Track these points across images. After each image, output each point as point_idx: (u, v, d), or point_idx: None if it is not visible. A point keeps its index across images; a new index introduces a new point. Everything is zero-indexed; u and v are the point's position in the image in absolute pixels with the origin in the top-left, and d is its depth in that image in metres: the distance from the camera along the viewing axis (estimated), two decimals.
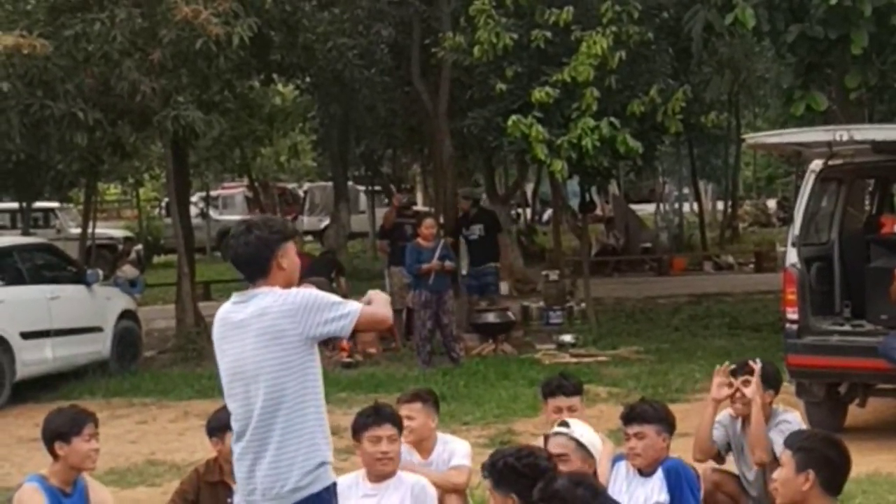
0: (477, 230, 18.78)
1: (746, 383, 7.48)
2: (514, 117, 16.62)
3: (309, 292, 5.54)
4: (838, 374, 11.33)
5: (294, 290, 5.57)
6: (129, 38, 16.36)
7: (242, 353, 5.57)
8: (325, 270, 18.21)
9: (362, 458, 7.15)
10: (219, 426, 7.56)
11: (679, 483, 6.82)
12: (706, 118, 18.74)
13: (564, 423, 6.47)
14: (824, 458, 5.38)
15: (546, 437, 7.41)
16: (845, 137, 11.17)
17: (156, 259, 39.21)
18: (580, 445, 6.29)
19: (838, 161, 11.68)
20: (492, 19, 17.08)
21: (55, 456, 6.79)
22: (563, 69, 16.77)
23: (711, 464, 7.83)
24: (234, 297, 5.69)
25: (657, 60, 18.34)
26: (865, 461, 9.82)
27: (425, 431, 7.66)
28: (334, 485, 5.60)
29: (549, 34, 17.04)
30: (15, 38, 15.23)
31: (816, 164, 11.75)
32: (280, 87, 28.25)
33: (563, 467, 6.05)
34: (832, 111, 16.23)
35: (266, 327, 5.50)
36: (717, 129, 31.72)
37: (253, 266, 5.64)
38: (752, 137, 14.14)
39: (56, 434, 6.79)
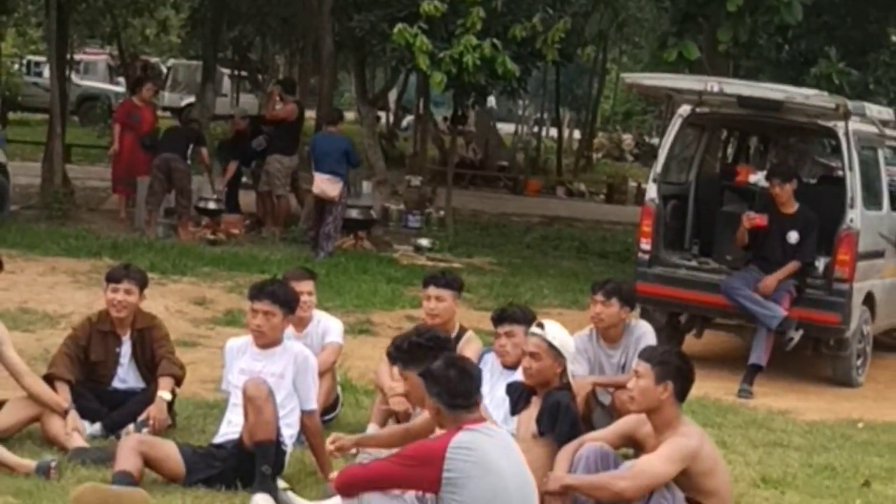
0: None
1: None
2: (400, 25, 16.99)
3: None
4: (681, 304, 12.11)
5: None
6: None
7: None
8: (182, 142, 18.06)
9: None
10: (114, 276, 8.11)
11: None
12: (583, 51, 19.44)
13: (540, 325, 6.90)
14: (679, 370, 6.16)
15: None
16: (716, 89, 11.95)
17: (11, 115, 38.77)
18: (552, 346, 6.73)
19: (705, 109, 12.38)
20: None
21: None
22: None
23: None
24: None
25: None
26: (696, 387, 10.61)
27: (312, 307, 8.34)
28: None
29: None
30: None
31: (685, 110, 12.42)
32: None
33: (534, 364, 6.66)
34: (700, 61, 16.97)
35: None
36: (585, 61, 32.52)
37: None
38: (630, 77, 14.84)
39: None
